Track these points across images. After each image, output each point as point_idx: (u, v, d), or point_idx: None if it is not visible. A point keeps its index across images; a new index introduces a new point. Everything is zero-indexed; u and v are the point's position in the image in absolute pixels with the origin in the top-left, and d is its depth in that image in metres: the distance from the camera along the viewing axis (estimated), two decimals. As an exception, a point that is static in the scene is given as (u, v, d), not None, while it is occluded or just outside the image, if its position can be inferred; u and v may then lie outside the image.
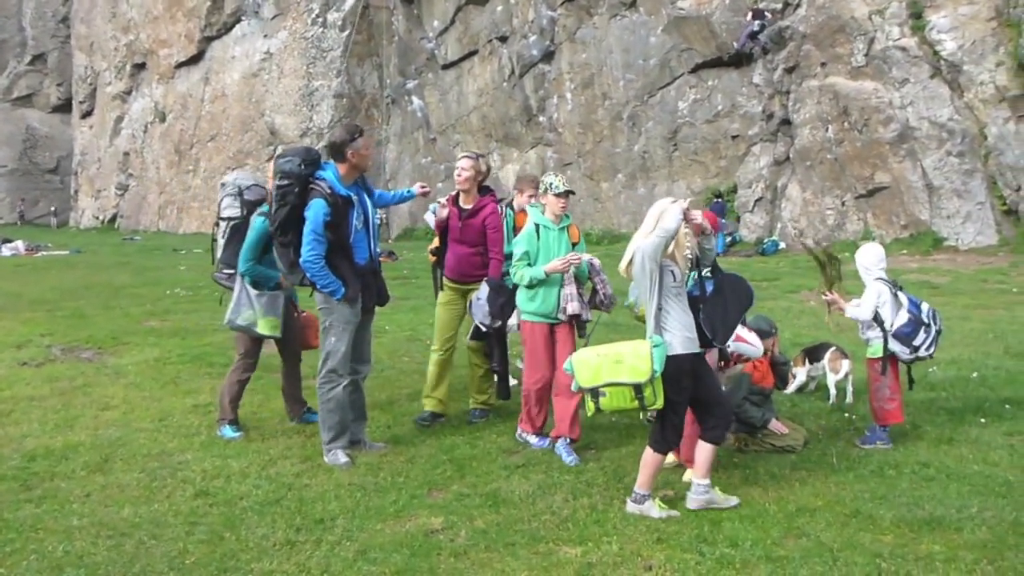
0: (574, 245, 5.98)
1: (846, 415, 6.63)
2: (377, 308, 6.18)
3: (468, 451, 5.96)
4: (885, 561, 4.09)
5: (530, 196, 6.66)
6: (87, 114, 44.95)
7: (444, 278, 6.82)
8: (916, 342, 5.93)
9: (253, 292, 6.40)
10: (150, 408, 7.34)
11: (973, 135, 19.18)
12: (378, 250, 6.10)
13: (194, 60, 37.22)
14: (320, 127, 31.45)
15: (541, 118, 27.22)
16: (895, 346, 5.96)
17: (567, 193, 5.96)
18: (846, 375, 7.04)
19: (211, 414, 7.07)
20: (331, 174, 5.69)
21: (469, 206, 6.62)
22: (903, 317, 5.96)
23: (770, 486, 5.19)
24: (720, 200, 22.52)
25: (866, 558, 4.13)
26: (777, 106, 22.37)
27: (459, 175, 6.57)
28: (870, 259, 6.19)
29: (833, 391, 7.11)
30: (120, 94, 41.77)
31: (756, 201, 22.42)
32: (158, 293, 15.41)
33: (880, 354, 5.99)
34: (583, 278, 5.96)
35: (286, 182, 5.61)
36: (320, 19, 32.27)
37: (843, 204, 21.14)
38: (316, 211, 5.55)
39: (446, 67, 29.57)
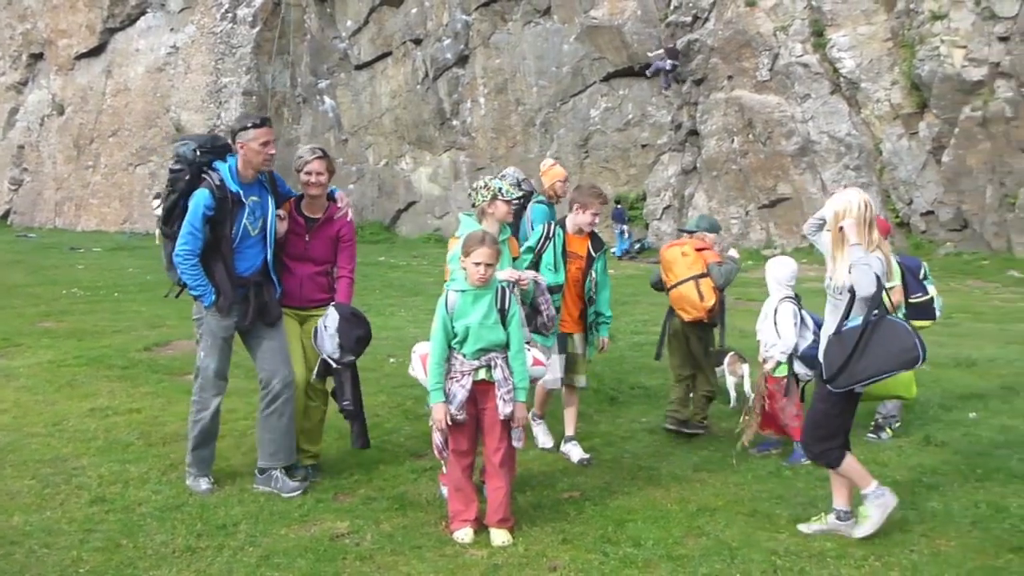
0: (514, 260, 5.35)
1: (745, 417, 6.81)
2: None
3: (376, 454, 5.90)
4: (780, 558, 4.24)
5: (594, 214, 5.90)
6: (-21, 105, 42.96)
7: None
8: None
9: None
10: (43, 412, 7.05)
11: (869, 150, 20.02)
12: (272, 261, 5.34)
13: (95, 52, 35.96)
14: (228, 124, 30.78)
15: (454, 122, 27.23)
16: (799, 368, 5.94)
17: (518, 199, 5.58)
18: (744, 378, 7.24)
19: (109, 418, 6.86)
20: (227, 167, 5.11)
21: (318, 215, 5.49)
22: (808, 338, 5.93)
23: (672, 487, 5.32)
24: (620, 207, 22.97)
25: (763, 555, 4.27)
26: (685, 117, 22.92)
27: (312, 179, 5.40)
28: (785, 274, 6.04)
29: (732, 394, 7.32)
30: (15, 85, 40.02)
31: (664, 209, 22.91)
32: (54, 293, 14.85)
33: (784, 373, 5.96)
34: (527, 299, 5.20)
35: (178, 167, 5.10)
36: (229, 14, 31.60)
37: (747, 213, 21.77)
38: (196, 203, 5.00)
39: (359, 68, 29.33)
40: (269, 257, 5.30)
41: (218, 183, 5.03)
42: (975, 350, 9.56)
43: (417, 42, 27.71)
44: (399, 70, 28.35)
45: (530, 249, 5.65)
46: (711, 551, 4.33)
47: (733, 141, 21.75)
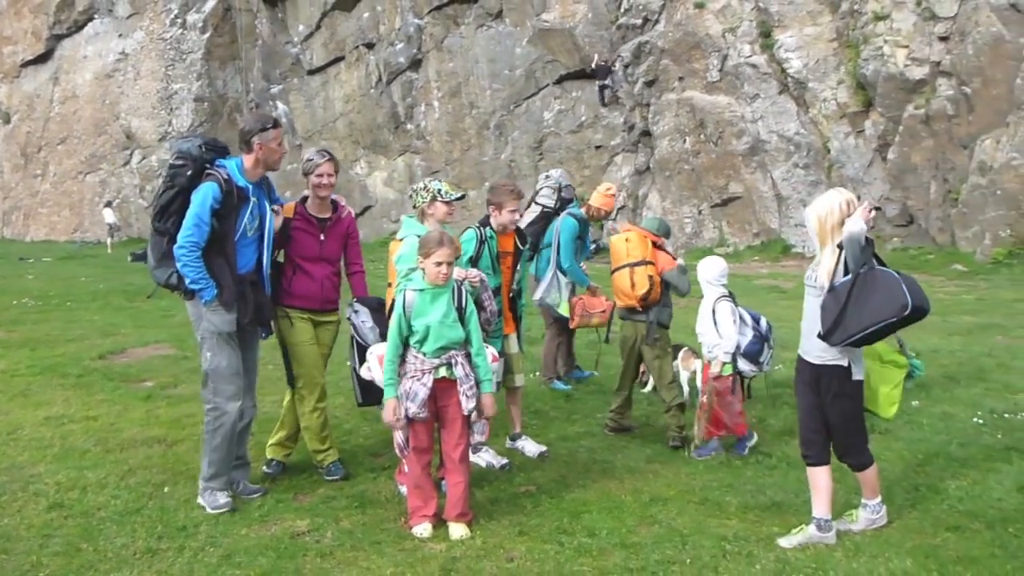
0: (456, 259, 5.18)
1: (698, 419, 6.97)
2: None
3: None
4: (730, 543, 4.40)
5: (512, 211, 5.84)
6: (-79, 113, 42.02)
7: (292, 310, 5.48)
8: (762, 358, 6.10)
9: (563, 280, 7.66)
10: (-3, 422, 7.01)
11: (817, 148, 20.42)
12: (268, 263, 5.30)
13: (42, 59, 35.46)
14: (180, 131, 30.51)
15: (409, 126, 27.27)
16: (743, 365, 6.03)
17: (458, 199, 5.57)
18: (696, 373, 7.40)
19: (65, 426, 6.83)
20: (234, 164, 5.10)
21: (327, 215, 5.60)
22: (748, 334, 6.04)
23: (626, 478, 5.46)
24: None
25: (712, 541, 4.42)
26: (638, 118, 23.19)
27: (324, 180, 5.50)
28: (713, 273, 6.08)
29: (686, 388, 7.47)
30: (-41, 93, 39.31)
31: (619, 210, 23.11)
32: (4, 303, 14.62)
33: (730, 372, 6.02)
34: (474, 296, 5.18)
35: (180, 162, 5.00)
36: (179, 20, 31.33)
37: (700, 213, 22.08)
38: (205, 194, 4.90)
39: (312, 72, 29.26)
40: (265, 259, 5.26)
41: (225, 177, 4.99)
42: (918, 341, 9.81)
43: (370, 46, 27.71)
44: (352, 75, 28.32)
45: (470, 259, 5.64)
46: (663, 538, 4.47)
47: (685, 141, 22.05)
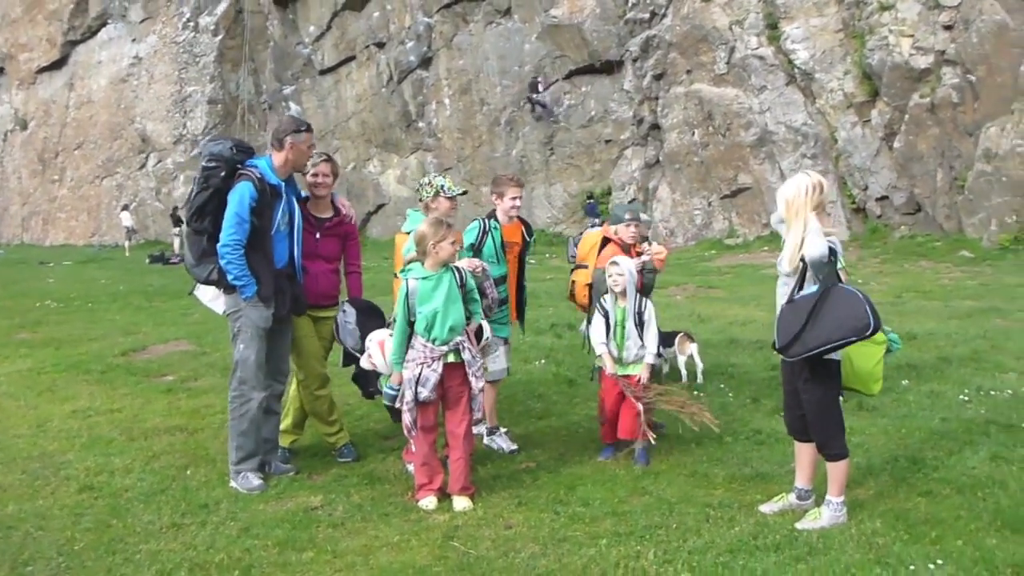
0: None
1: (696, 393, 7.25)
2: None
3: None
4: (714, 510, 4.69)
5: (513, 198, 6.09)
6: (-58, 121, 42.71)
7: None
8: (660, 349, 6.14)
9: None
10: (27, 415, 7.36)
11: (825, 139, 20.58)
12: (300, 256, 5.60)
13: (57, 65, 36.02)
14: (194, 134, 30.98)
15: (420, 123, 27.59)
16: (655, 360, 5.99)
17: (460, 195, 5.86)
18: (692, 356, 7.69)
19: (91, 417, 7.18)
20: (265, 163, 5.38)
21: (327, 215, 5.88)
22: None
23: (621, 454, 5.74)
24: (593, 201, 23.43)
25: (698, 508, 4.72)
26: (647, 111, 23.41)
27: (319, 180, 5.80)
28: (630, 274, 5.77)
29: (684, 371, 7.77)
30: (-22, 100, 39.98)
31: (629, 203, 23.36)
32: (27, 305, 15.06)
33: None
34: (476, 284, 5.34)
35: (213, 164, 5.27)
36: (191, 23, 31.77)
37: (709, 204, 22.30)
38: (242, 193, 5.19)
39: (323, 72, 29.63)
40: (296, 252, 5.55)
41: (259, 176, 5.27)
42: (917, 325, 10.07)
43: (380, 45, 28.05)
44: (363, 74, 28.67)
45: (471, 246, 5.88)
46: (652, 507, 4.77)
47: (694, 134, 22.27)
